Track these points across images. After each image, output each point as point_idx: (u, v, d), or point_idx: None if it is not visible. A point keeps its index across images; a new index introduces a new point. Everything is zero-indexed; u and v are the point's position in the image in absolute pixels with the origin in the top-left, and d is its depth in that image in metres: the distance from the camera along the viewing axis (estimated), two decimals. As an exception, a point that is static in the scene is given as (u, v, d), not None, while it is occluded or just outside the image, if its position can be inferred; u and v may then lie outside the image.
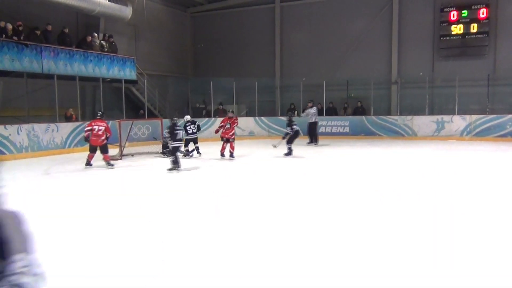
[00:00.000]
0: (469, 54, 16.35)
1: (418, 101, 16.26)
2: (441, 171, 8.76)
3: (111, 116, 13.39)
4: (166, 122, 13.75)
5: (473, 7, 16.07)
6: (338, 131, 16.75)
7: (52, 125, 12.22)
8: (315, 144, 13.87)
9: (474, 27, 16.10)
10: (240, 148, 11.95)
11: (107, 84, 15.15)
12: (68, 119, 13.28)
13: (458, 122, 14.98)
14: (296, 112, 16.43)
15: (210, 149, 11.87)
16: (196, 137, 11.45)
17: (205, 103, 18.77)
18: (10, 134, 10.98)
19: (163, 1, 19.28)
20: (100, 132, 9.31)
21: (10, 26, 11.81)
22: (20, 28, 12.08)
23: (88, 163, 9.45)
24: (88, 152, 9.51)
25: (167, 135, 9.05)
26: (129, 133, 11.57)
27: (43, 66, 12.37)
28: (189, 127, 11.28)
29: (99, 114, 9.84)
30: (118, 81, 15.26)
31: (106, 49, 14.76)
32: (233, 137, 10.59)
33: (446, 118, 15.20)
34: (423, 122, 15.53)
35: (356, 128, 16.47)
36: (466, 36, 16.28)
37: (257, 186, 7.45)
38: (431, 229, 4.57)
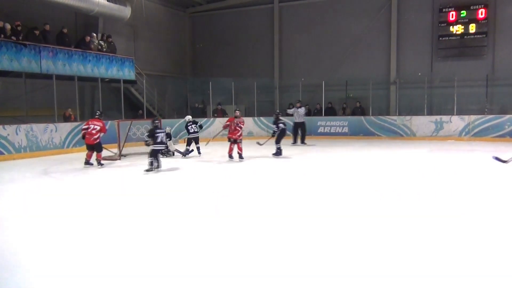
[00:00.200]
0: (468, 55, 16.37)
1: (417, 101, 16.27)
2: (440, 171, 8.76)
3: (110, 116, 13.38)
4: (166, 122, 13.82)
5: (471, 7, 16.10)
6: (337, 131, 16.75)
7: (51, 125, 12.19)
8: (304, 144, 13.89)
9: (472, 28, 16.13)
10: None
11: (105, 84, 15.12)
12: (66, 119, 13.25)
13: (456, 122, 14.99)
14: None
15: (210, 149, 11.87)
16: (198, 137, 11.46)
17: (204, 103, 18.76)
18: (8, 134, 10.95)
19: (162, 1, 19.28)
20: (94, 131, 9.36)
21: (8, 26, 11.80)
22: (19, 28, 12.06)
23: (88, 162, 9.48)
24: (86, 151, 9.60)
25: (146, 139, 9.02)
26: (127, 133, 11.55)
27: (41, 66, 12.36)
28: (190, 126, 11.29)
29: (97, 114, 9.91)
30: (117, 81, 15.24)
31: (104, 49, 14.75)
32: (240, 138, 10.27)
33: (444, 118, 15.22)
34: (422, 122, 15.54)
35: (355, 128, 16.48)
36: (465, 37, 16.31)
37: (257, 186, 7.45)
38: (432, 229, 4.57)
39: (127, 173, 8.99)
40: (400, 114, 16.29)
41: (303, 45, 19.11)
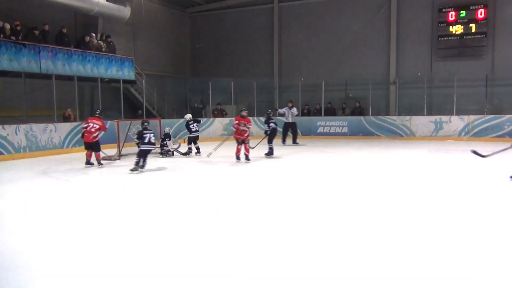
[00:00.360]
0: (467, 55, 16.38)
1: (417, 101, 16.27)
2: (442, 171, 8.76)
3: (109, 116, 13.36)
4: (165, 122, 13.82)
5: (471, 7, 16.10)
6: (336, 131, 16.77)
7: (50, 125, 12.18)
8: (296, 144, 13.93)
9: (472, 28, 16.14)
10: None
11: (105, 84, 15.11)
12: (66, 119, 13.25)
13: (456, 122, 15.00)
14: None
15: (209, 149, 11.85)
16: (198, 136, 11.45)
17: (204, 103, 18.76)
18: (8, 134, 10.94)
19: (161, 1, 19.26)
20: (92, 130, 9.37)
21: (8, 26, 11.77)
22: (18, 28, 12.04)
23: (88, 162, 9.48)
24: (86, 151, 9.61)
25: (136, 141, 9.22)
26: (127, 133, 11.54)
27: (41, 66, 12.34)
28: (192, 125, 11.29)
29: (97, 112, 9.92)
30: (116, 81, 15.22)
31: (104, 49, 14.73)
32: (248, 138, 10.00)
33: (444, 118, 15.22)
34: (422, 122, 15.55)
35: (354, 128, 16.49)
36: (464, 37, 16.31)
37: (257, 186, 7.44)
38: (440, 231, 4.55)
39: (127, 173, 8.97)
40: (399, 114, 16.30)
41: (303, 45, 19.11)
